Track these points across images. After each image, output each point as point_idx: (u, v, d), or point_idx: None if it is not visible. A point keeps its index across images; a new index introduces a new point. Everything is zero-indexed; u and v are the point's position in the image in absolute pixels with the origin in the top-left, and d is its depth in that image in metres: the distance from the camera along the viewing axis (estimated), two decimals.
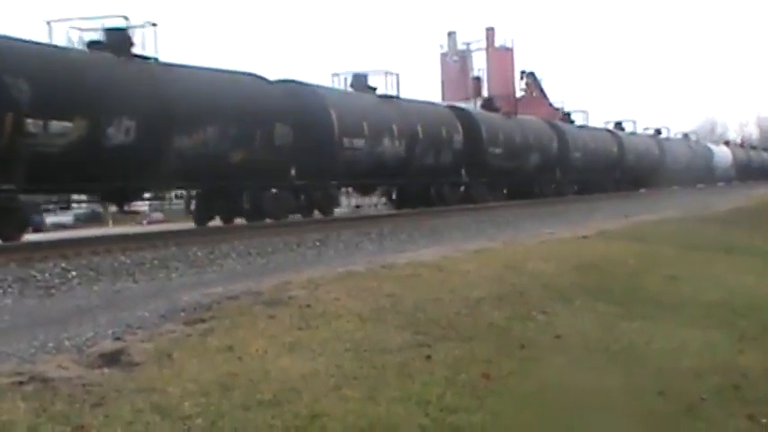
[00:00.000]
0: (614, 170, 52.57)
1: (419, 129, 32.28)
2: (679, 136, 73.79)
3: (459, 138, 35.02)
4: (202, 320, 8.35)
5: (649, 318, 10.71)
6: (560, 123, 48.85)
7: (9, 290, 11.49)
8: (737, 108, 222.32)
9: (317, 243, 17.83)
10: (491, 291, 10.93)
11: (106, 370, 6.63)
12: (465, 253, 14.40)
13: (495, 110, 42.78)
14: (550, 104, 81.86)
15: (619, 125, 59.10)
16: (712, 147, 76.04)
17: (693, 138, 79.68)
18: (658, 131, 68.21)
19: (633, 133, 60.44)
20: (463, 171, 35.93)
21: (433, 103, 38.49)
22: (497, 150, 37.87)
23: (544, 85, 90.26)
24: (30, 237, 20.03)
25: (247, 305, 9.06)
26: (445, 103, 40.45)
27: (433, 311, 9.41)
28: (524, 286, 11.62)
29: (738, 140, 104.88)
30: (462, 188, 36.67)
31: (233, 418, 5.81)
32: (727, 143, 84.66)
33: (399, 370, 7.11)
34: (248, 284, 10.35)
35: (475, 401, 6.63)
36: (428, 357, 7.57)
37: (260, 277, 11.34)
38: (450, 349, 7.92)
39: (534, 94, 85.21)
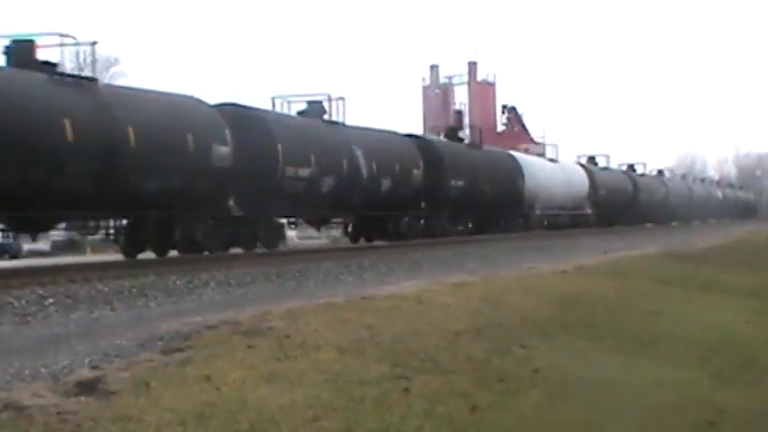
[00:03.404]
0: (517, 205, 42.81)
1: (374, 159, 29.71)
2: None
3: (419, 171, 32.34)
4: (180, 350, 8.31)
5: (627, 353, 10.74)
6: (434, 141, 38.69)
7: None
8: (716, 145, 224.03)
9: (297, 274, 17.81)
10: (470, 324, 10.93)
11: (82, 398, 6.59)
12: (444, 286, 14.41)
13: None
14: (532, 139, 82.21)
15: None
16: (525, 157, 47.70)
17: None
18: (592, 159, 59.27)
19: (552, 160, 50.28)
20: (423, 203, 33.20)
21: (389, 132, 34.25)
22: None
23: (525, 120, 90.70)
24: (6, 264, 19.89)
25: (226, 335, 9.03)
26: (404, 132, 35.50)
27: (411, 344, 9.41)
28: (503, 320, 11.64)
29: (716, 178, 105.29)
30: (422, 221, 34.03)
31: None
32: (592, 159, 60.39)
33: (377, 402, 7.10)
34: (227, 314, 10.31)
35: None
36: (406, 390, 7.56)
37: (239, 307, 11.30)
38: (428, 382, 7.92)
39: (515, 129, 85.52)
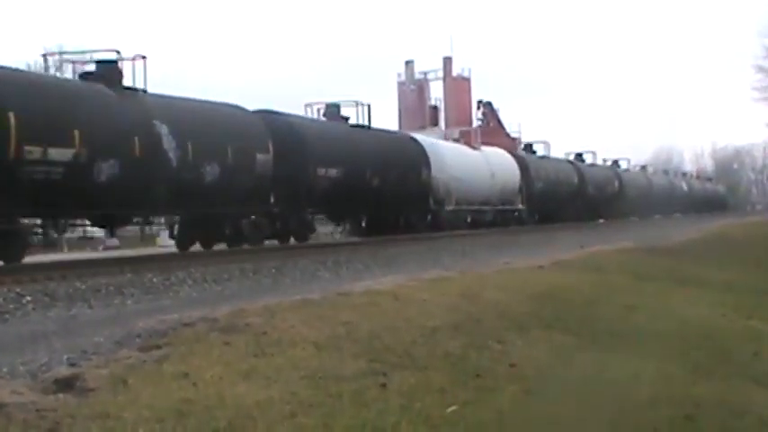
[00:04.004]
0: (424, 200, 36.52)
1: (190, 138, 22.83)
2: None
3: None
4: (158, 347, 8.30)
5: (604, 348, 10.80)
6: (292, 117, 30.20)
7: None
8: (693, 139, 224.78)
9: (274, 270, 17.82)
10: (447, 320, 10.96)
11: (61, 395, 6.58)
12: (421, 282, 14.43)
13: None
14: (507, 134, 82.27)
15: None
16: (433, 142, 40.46)
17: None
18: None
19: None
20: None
21: (221, 104, 26.63)
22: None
23: (501, 115, 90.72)
24: None
25: (203, 332, 9.02)
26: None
27: (388, 340, 9.42)
28: (480, 315, 11.66)
29: (694, 172, 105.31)
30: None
31: None
32: (529, 147, 54.69)
33: (354, 398, 7.11)
34: (204, 311, 10.29)
35: (430, 430, 6.65)
36: (383, 386, 7.57)
37: (216, 304, 11.29)
38: (405, 378, 7.93)
39: (491, 124, 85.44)
